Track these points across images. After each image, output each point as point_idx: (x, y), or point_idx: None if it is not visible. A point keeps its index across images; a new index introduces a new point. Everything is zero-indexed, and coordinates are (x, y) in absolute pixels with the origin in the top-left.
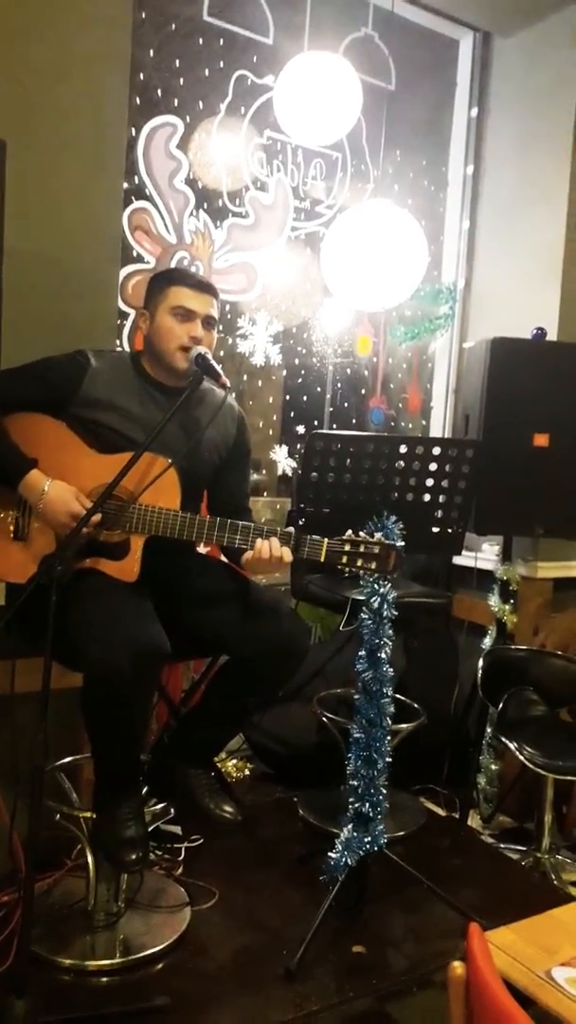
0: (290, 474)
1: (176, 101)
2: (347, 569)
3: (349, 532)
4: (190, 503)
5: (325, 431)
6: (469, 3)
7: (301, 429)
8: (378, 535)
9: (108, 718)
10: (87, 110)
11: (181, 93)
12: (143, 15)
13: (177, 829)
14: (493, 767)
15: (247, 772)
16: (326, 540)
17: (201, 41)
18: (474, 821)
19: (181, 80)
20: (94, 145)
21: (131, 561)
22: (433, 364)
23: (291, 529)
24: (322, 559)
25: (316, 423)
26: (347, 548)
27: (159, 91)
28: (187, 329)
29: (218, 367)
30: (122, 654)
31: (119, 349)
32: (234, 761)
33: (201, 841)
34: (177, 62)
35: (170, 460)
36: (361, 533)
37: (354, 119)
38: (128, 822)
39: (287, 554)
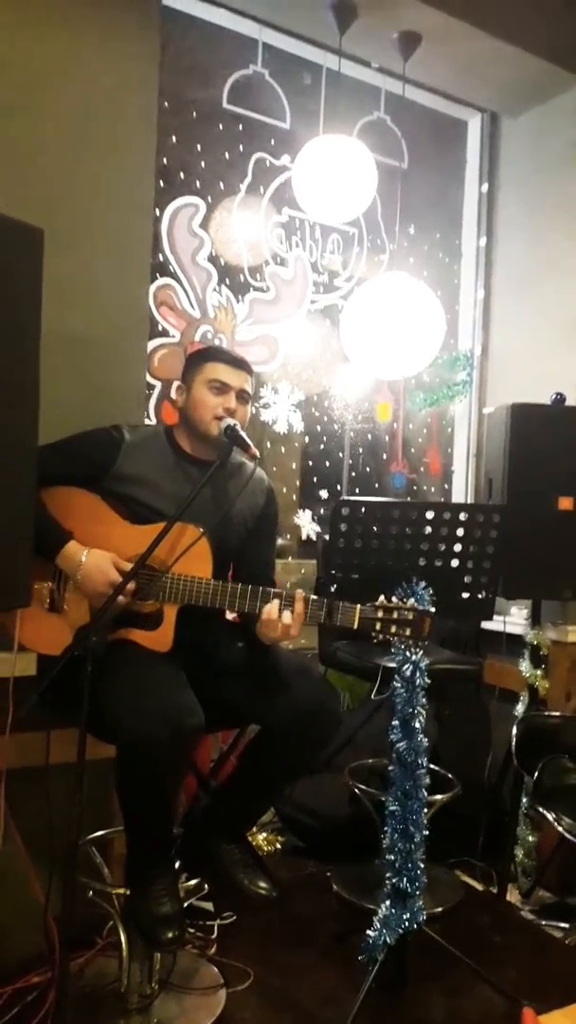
0: (314, 538)
1: (198, 183)
2: (380, 636)
3: (382, 598)
4: (219, 573)
5: (351, 498)
6: (476, 87)
7: (324, 494)
8: (410, 601)
9: (143, 790)
10: (116, 194)
11: (203, 175)
12: (165, 104)
13: (209, 906)
14: (530, 839)
15: (278, 846)
16: (359, 606)
17: (221, 126)
18: (512, 896)
19: (202, 163)
20: (122, 227)
21: (165, 631)
22: (453, 429)
23: (300, 592)
24: (355, 626)
25: (338, 487)
26: (380, 615)
27: (181, 174)
28: (222, 401)
29: (247, 438)
30: (159, 725)
31: (152, 423)
32: (264, 835)
33: (234, 918)
34: (199, 146)
35: (201, 528)
36: (393, 599)
37: (370, 198)
38: (163, 898)
39: (287, 618)
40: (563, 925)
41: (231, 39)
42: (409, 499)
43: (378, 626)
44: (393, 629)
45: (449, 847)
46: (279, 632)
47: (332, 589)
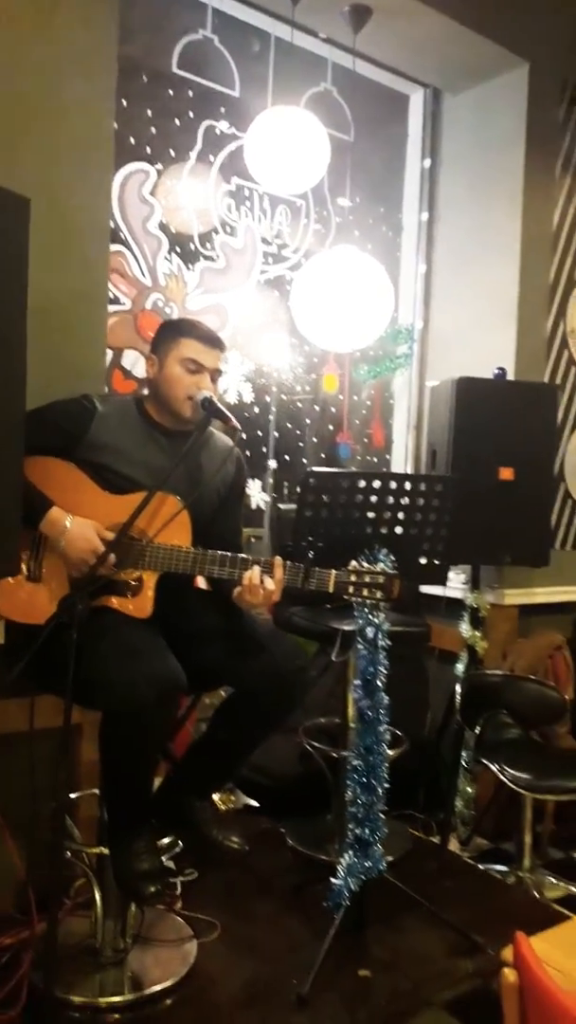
0: (263, 507)
1: (148, 149)
2: (354, 598)
3: (354, 563)
4: (194, 541)
5: (320, 469)
6: (421, 62)
7: (272, 464)
8: (380, 565)
9: (128, 752)
10: (75, 158)
11: (153, 141)
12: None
13: (171, 864)
14: (469, 790)
15: (231, 805)
16: (334, 571)
17: (171, 92)
18: (452, 844)
19: (153, 129)
20: (82, 191)
21: (145, 598)
22: (393, 401)
23: (279, 558)
24: (331, 590)
25: (287, 458)
26: (353, 578)
27: (131, 139)
28: (195, 381)
29: (226, 411)
30: (145, 688)
31: (120, 394)
32: (218, 795)
33: (195, 875)
34: (149, 111)
35: (179, 498)
36: (365, 564)
37: (323, 170)
38: (143, 855)
39: (269, 583)
40: (502, 868)
41: (181, 2)
42: (354, 470)
43: (351, 589)
44: (365, 592)
45: (393, 801)
46: (261, 597)
47: (310, 555)
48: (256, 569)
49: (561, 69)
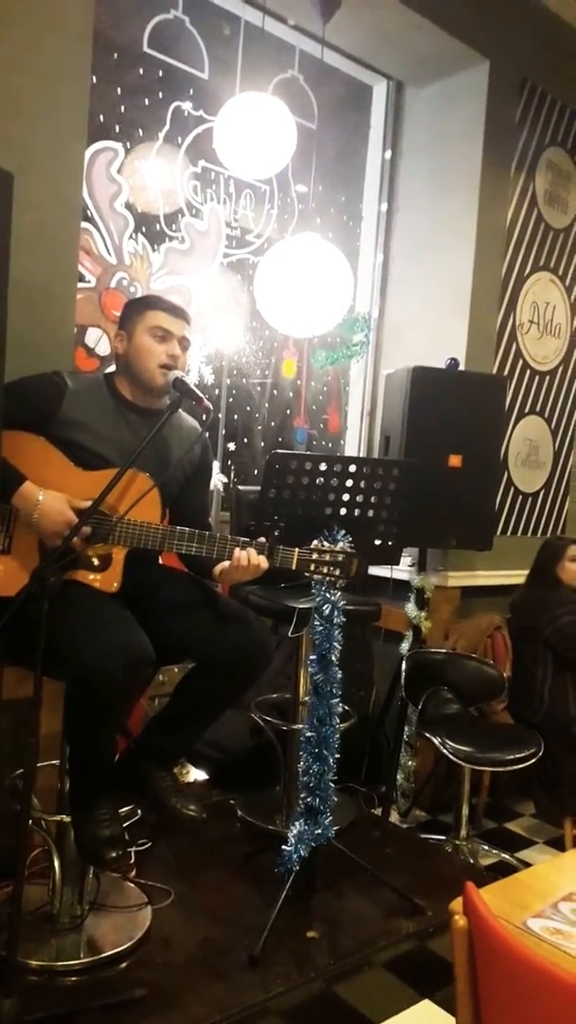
0: (221, 488)
1: (117, 127)
2: (315, 576)
3: (316, 543)
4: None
5: (284, 451)
6: (387, 55)
7: (232, 446)
8: (340, 545)
9: (95, 722)
10: (49, 128)
11: (121, 119)
12: None
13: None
14: (410, 763)
15: (183, 778)
16: (297, 550)
17: (141, 71)
18: (392, 816)
19: (122, 107)
20: (55, 164)
21: (113, 572)
22: (348, 387)
23: (263, 540)
24: (293, 567)
25: (245, 440)
26: (315, 557)
27: (101, 116)
28: (165, 348)
29: (198, 391)
30: (115, 660)
31: (90, 372)
32: None
33: (149, 844)
34: (118, 89)
35: (150, 476)
36: (326, 544)
37: (289, 156)
38: (106, 821)
39: (263, 562)
40: (440, 837)
41: None
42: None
43: (313, 567)
44: (325, 570)
45: (337, 774)
46: (250, 572)
47: (276, 534)
48: (252, 550)
49: (519, 69)
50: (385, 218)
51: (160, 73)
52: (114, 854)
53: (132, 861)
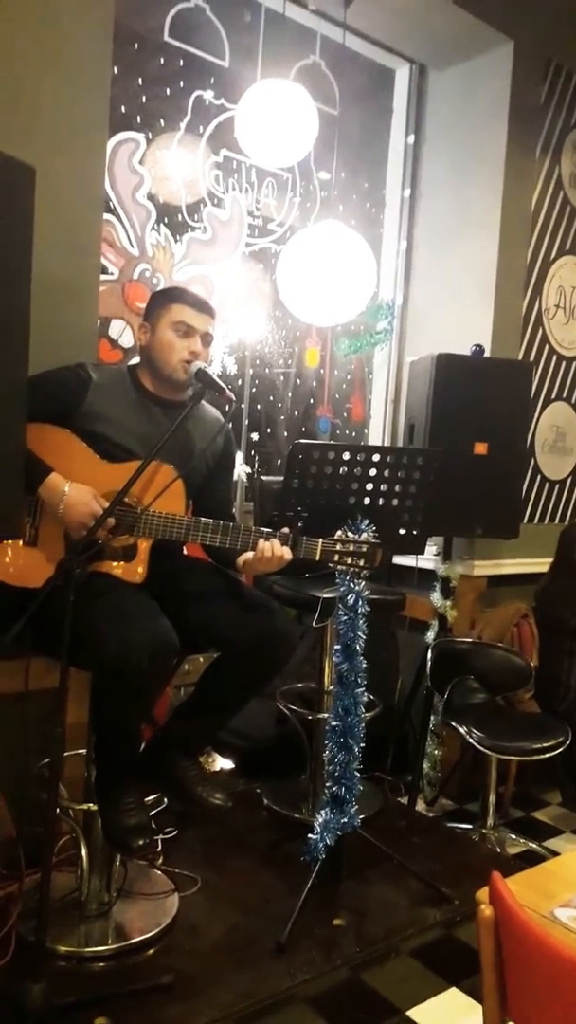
0: (244, 479)
1: (139, 118)
2: (339, 566)
3: (339, 533)
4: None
5: (307, 441)
6: (409, 37)
7: (255, 436)
8: (363, 535)
9: (122, 711)
10: (71, 122)
11: (143, 110)
12: None
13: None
14: (436, 753)
15: (209, 767)
16: (321, 540)
17: (162, 60)
18: (419, 805)
19: (144, 97)
20: (77, 157)
21: (138, 563)
22: (372, 375)
23: (286, 531)
24: (318, 558)
25: (268, 430)
26: (339, 547)
27: (123, 107)
28: (187, 344)
29: (220, 381)
30: (140, 649)
31: (114, 363)
32: None
33: (175, 832)
34: (140, 80)
35: (174, 467)
36: (350, 534)
37: (311, 143)
38: (132, 810)
39: (287, 553)
40: (467, 826)
41: None
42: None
43: (337, 557)
44: (350, 560)
45: (363, 763)
46: (274, 563)
47: (300, 525)
48: (275, 540)
49: (544, 49)
50: (408, 204)
51: (181, 62)
52: (141, 842)
53: (159, 849)
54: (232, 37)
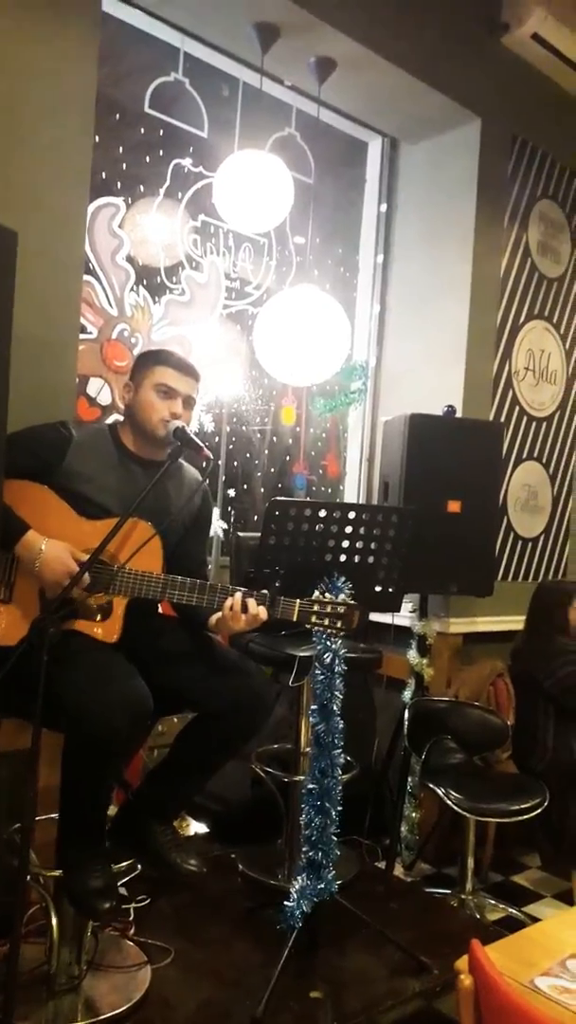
0: (221, 535)
1: (119, 184)
2: (316, 627)
3: (317, 594)
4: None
5: (284, 498)
6: (381, 113)
7: (232, 492)
8: (341, 596)
9: (95, 773)
10: (52, 189)
11: (123, 176)
12: None
13: (123, 890)
14: (414, 815)
15: (183, 831)
16: (298, 601)
17: (142, 130)
18: (397, 869)
19: (124, 165)
20: (58, 223)
21: (114, 622)
22: (347, 434)
23: (265, 592)
24: (294, 618)
25: (245, 486)
26: (316, 608)
27: (103, 174)
28: (168, 406)
29: (199, 440)
30: (119, 712)
31: (95, 422)
32: None
33: (148, 900)
34: (120, 148)
35: (151, 525)
36: (327, 595)
37: (287, 211)
38: (98, 872)
39: (263, 612)
40: (445, 891)
41: (155, 45)
42: (309, 499)
43: (314, 618)
44: (327, 621)
45: (339, 826)
46: (244, 622)
47: (277, 584)
48: (238, 595)
49: (510, 126)
50: (381, 269)
51: (161, 132)
52: (107, 905)
53: (131, 918)
54: (211, 109)
